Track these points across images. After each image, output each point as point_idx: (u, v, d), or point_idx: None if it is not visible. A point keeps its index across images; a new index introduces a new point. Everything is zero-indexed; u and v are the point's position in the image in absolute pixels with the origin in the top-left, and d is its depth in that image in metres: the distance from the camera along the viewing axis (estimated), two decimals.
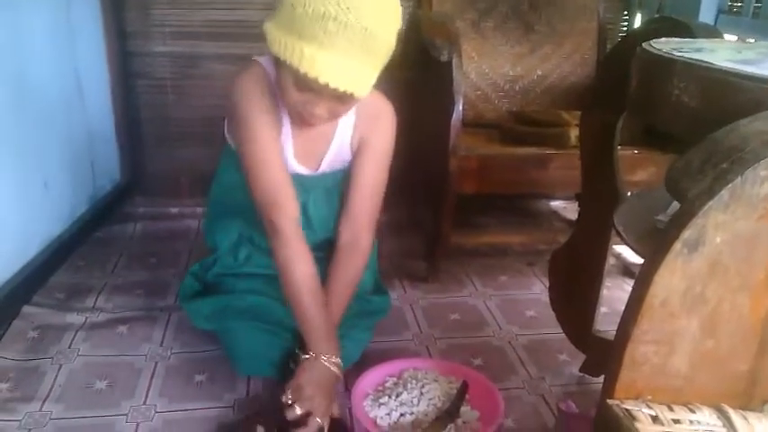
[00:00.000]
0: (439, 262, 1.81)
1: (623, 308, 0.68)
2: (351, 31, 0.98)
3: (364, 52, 1.01)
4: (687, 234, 0.61)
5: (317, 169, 1.30)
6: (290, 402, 1.11)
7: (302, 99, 1.08)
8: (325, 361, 1.16)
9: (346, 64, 1.00)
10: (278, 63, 1.09)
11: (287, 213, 1.19)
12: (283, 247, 1.19)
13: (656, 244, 0.64)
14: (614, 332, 0.71)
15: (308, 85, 1.04)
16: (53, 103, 1.82)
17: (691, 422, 0.66)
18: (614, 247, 1.40)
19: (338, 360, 1.18)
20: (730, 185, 0.59)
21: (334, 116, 1.13)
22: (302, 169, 1.29)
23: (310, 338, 1.19)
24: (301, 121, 1.14)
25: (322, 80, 1.00)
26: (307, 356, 1.17)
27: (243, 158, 1.20)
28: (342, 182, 1.33)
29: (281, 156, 1.24)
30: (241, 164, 1.21)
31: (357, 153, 1.29)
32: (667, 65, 0.84)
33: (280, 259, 1.20)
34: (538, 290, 1.80)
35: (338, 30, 0.98)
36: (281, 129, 1.23)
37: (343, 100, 1.07)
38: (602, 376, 0.73)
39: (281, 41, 1.02)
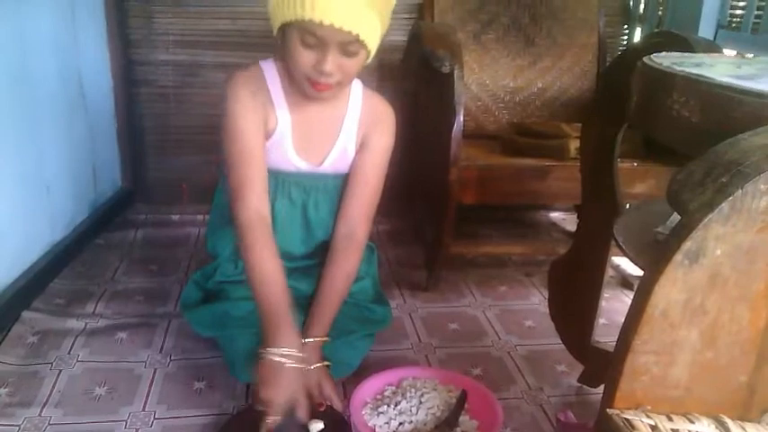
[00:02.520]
0: (438, 271, 1.81)
1: (622, 319, 0.69)
2: None
3: None
4: (688, 246, 0.62)
5: (320, 164, 1.31)
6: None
7: (310, 59, 1.11)
8: (274, 356, 1.13)
9: (347, 3, 1.04)
10: (284, 35, 1.13)
11: (248, 206, 1.20)
12: (245, 239, 1.20)
13: (657, 255, 0.64)
14: (613, 343, 0.71)
15: (314, 36, 1.08)
16: (56, 109, 1.83)
17: None
18: (613, 258, 1.41)
19: (298, 354, 1.15)
20: (731, 198, 0.60)
21: (344, 75, 1.14)
22: (303, 165, 1.30)
23: (266, 331, 1.17)
24: (313, 86, 1.15)
25: (326, 21, 1.04)
26: (261, 351, 1.15)
27: (225, 155, 1.23)
28: (342, 188, 1.35)
29: (278, 151, 1.26)
30: (224, 159, 1.24)
31: (359, 151, 1.32)
32: (667, 79, 0.85)
33: (242, 252, 1.21)
34: (536, 300, 1.80)
35: None
36: (274, 125, 1.25)
37: (349, 50, 1.11)
38: (601, 387, 0.73)
39: (282, 4, 1.07)
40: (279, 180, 1.32)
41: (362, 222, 1.34)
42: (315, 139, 1.30)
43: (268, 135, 1.26)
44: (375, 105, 1.33)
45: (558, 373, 1.46)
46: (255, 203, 1.21)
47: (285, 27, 1.12)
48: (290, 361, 1.15)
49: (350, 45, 1.10)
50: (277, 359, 1.14)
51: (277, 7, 1.10)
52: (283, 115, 1.25)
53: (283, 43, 1.15)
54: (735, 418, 0.69)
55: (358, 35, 1.07)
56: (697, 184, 0.63)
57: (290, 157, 1.29)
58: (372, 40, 1.12)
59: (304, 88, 1.18)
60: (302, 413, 1.14)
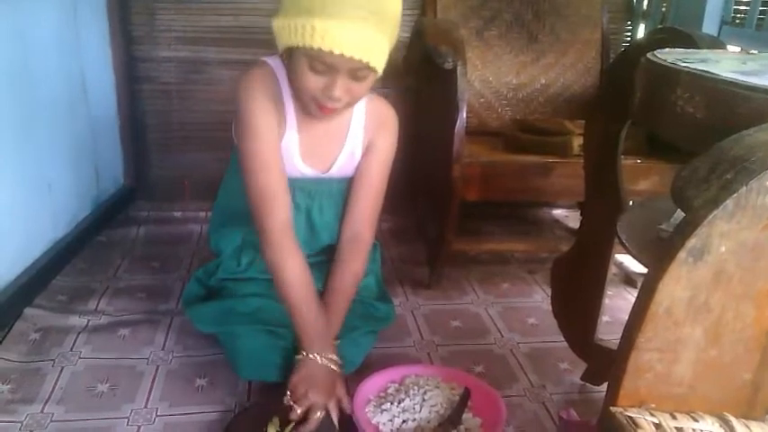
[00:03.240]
0: (441, 269, 1.81)
1: (625, 317, 0.68)
2: None
3: (373, 16, 1.03)
4: (692, 243, 0.61)
5: (327, 171, 1.31)
6: (291, 404, 1.13)
7: (319, 84, 1.09)
8: (317, 358, 1.17)
9: (357, 31, 1.02)
10: (290, 55, 1.11)
11: (277, 215, 1.20)
12: (272, 247, 1.21)
13: (661, 252, 0.64)
14: (616, 341, 0.71)
15: (323, 63, 1.06)
16: (58, 106, 1.83)
17: (693, 430, 0.66)
18: (616, 256, 1.40)
19: (333, 356, 1.20)
20: (735, 195, 0.60)
21: (352, 97, 1.14)
22: (309, 171, 1.30)
23: (302, 336, 1.20)
24: (320, 109, 1.14)
25: (337, 51, 1.02)
26: (299, 356, 1.19)
27: (242, 158, 1.22)
28: (346, 190, 1.35)
29: (284, 157, 1.25)
30: (240, 163, 1.23)
31: (364, 154, 1.32)
32: (672, 75, 0.85)
33: (269, 260, 1.22)
34: (539, 298, 1.80)
35: None
36: (284, 129, 1.24)
37: (358, 75, 1.09)
38: (604, 385, 0.73)
39: (290, 27, 1.05)
40: None
41: (368, 224, 1.34)
42: (322, 145, 1.29)
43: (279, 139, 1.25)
44: (379, 108, 1.32)
45: (560, 370, 1.45)
46: (282, 216, 1.21)
47: (293, 49, 1.09)
48: (331, 364, 1.18)
49: (359, 71, 1.08)
50: (321, 362, 1.17)
51: (284, 29, 1.07)
52: (291, 121, 1.25)
53: (290, 63, 1.13)
54: (739, 417, 0.69)
55: (368, 62, 1.06)
56: (701, 181, 0.63)
57: (296, 164, 1.28)
58: (382, 64, 1.10)
59: (310, 109, 1.17)
60: (335, 414, 1.15)
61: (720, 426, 0.67)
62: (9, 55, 1.56)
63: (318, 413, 1.12)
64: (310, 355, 1.18)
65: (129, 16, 2.15)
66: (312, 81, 1.10)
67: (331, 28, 1.01)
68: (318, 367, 1.17)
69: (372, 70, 1.09)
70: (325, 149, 1.30)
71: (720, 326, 0.67)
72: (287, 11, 1.06)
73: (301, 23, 1.03)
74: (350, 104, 1.17)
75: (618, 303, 1.76)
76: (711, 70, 0.81)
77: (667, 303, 0.64)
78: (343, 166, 1.32)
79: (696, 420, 0.67)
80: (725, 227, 0.61)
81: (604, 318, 1.35)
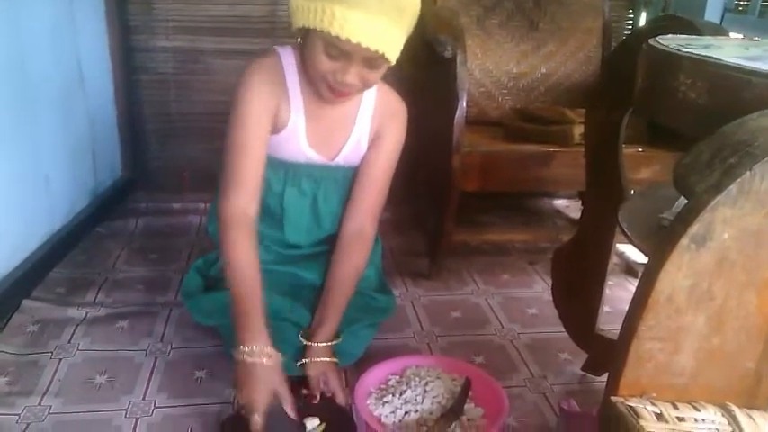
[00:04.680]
0: (441, 259, 1.80)
1: (626, 307, 0.68)
2: None
3: (393, 10, 1.04)
4: (694, 229, 0.60)
5: (333, 159, 1.30)
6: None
7: (332, 67, 1.09)
8: (245, 355, 1.12)
9: (376, 23, 1.02)
10: (305, 35, 1.11)
11: (235, 204, 1.19)
12: (224, 236, 1.18)
13: (663, 239, 0.63)
14: (617, 331, 0.70)
15: (338, 49, 1.06)
16: (55, 98, 1.82)
17: (695, 420, 0.66)
18: (617, 245, 1.39)
19: (262, 349, 1.12)
20: (739, 180, 0.59)
21: (365, 84, 1.13)
22: (316, 157, 1.29)
23: (236, 329, 1.15)
24: (331, 92, 1.14)
25: (354, 40, 1.02)
26: (233, 353, 1.14)
27: (226, 141, 1.21)
28: (351, 179, 1.34)
29: (290, 141, 1.25)
30: (224, 144, 1.22)
31: (370, 146, 1.31)
32: (674, 61, 0.83)
33: (221, 248, 1.19)
34: (540, 288, 1.79)
35: None
36: (288, 116, 1.23)
37: (373, 64, 1.09)
38: (604, 375, 0.72)
39: (309, 8, 1.05)
40: (289, 171, 1.30)
41: (371, 218, 1.33)
42: (329, 132, 1.28)
43: (281, 127, 1.24)
44: (389, 99, 1.31)
45: (561, 361, 1.45)
46: (242, 203, 1.19)
47: (309, 30, 1.08)
48: (260, 359, 1.12)
49: (374, 60, 1.08)
50: (248, 359, 1.11)
51: (302, 9, 1.06)
52: (298, 107, 1.24)
53: (304, 43, 1.13)
54: (741, 406, 0.68)
55: (384, 53, 1.06)
56: (704, 166, 0.61)
57: (304, 150, 1.28)
58: (396, 55, 1.10)
59: (321, 91, 1.16)
60: (289, 408, 1.12)
61: (723, 415, 0.66)
62: (5, 46, 1.55)
63: (255, 416, 1.07)
64: (242, 352, 1.12)
65: (126, 6, 2.14)
66: (325, 64, 1.09)
67: (351, 16, 1.01)
68: (249, 364, 1.11)
69: (386, 60, 1.09)
70: (332, 137, 1.29)
71: (723, 314, 0.66)
72: None
73: (321, 7, 1.03)
74: (361, 91, 1.17)
75: (619, 293, 1.75)
76: (714, 56, 0.80)
77: (669, 291, 0.63)
78: (348, 154, 1.31)
79: (698, 410, 0.67)
80: (728, 213, 0.60)
81: (605, 308, 1.34)
